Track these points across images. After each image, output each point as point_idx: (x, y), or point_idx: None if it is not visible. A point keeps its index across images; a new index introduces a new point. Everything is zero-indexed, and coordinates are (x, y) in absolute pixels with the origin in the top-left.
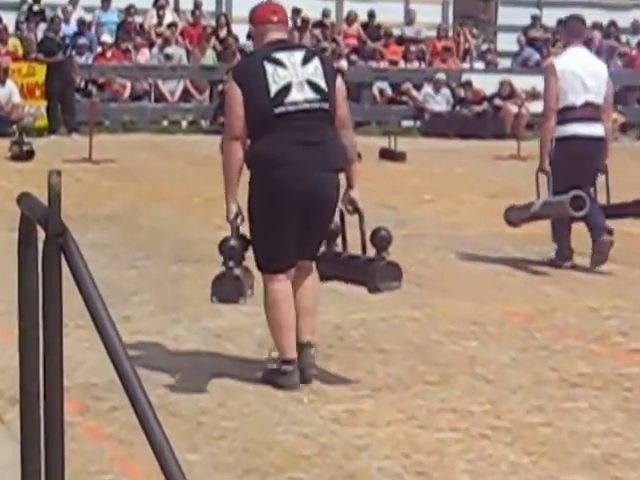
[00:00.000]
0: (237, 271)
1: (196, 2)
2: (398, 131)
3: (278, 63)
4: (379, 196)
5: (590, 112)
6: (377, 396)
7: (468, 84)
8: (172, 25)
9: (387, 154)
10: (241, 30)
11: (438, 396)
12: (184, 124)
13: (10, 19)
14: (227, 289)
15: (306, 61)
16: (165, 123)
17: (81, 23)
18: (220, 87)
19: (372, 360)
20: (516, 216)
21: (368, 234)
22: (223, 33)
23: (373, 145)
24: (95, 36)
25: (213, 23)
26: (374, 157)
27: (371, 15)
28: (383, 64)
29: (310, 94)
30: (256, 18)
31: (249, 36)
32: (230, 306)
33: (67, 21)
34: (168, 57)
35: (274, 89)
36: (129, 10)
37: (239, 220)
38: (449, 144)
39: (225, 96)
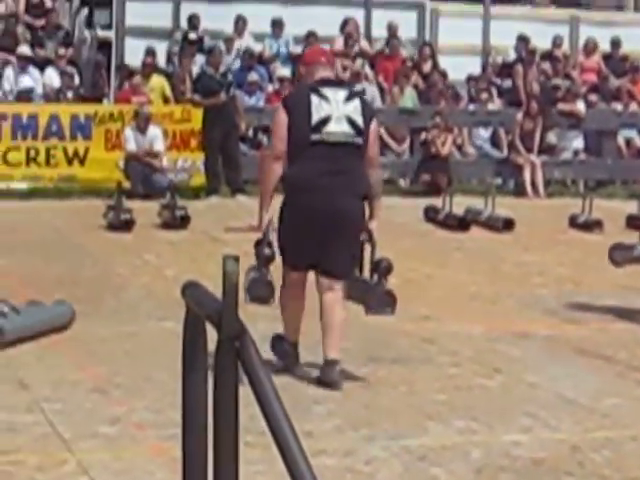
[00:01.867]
0: (269, 277)
1: (392, 27)
2: None
3: (323, 97)
4: (626, 278)
5: None
6: None
7: None
8: (362, 56)
9: (636, 223)
10: (449, 63)
11: None
12: None
13: (160, 50)
14: (261, 291)
15: (348, 99)
16: None
17: (249, 55)
18: (423, 136)
19: None
20: (621, 256)
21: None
22: (427, 67)
23: (618, 211)
24: (266, 71)
25: (414, 54)
26: (619, 226)
27: (615, 43)
28: (631, 106)
29: (347, 128)
30: (307, 59)
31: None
32: (439, 421)
33: (230, 52)
34: None
35: (315, 118)
36: (309, 38)
37: (271, 229)
38: None
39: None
